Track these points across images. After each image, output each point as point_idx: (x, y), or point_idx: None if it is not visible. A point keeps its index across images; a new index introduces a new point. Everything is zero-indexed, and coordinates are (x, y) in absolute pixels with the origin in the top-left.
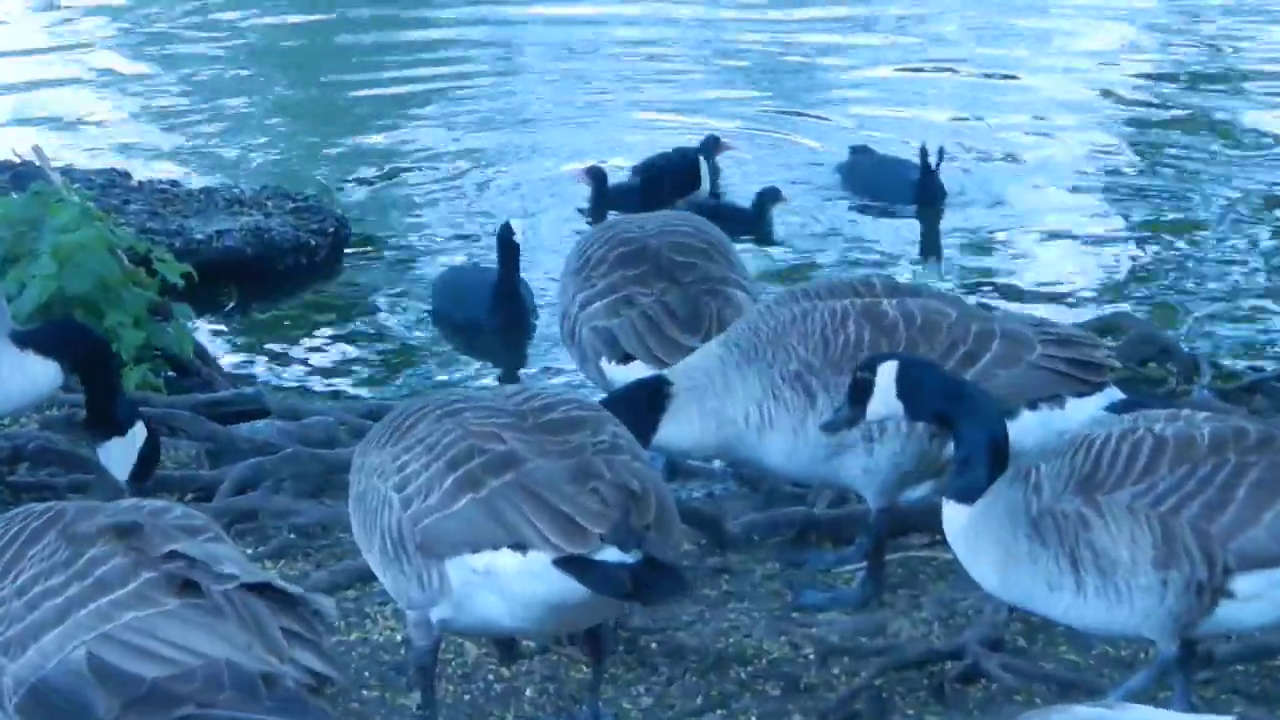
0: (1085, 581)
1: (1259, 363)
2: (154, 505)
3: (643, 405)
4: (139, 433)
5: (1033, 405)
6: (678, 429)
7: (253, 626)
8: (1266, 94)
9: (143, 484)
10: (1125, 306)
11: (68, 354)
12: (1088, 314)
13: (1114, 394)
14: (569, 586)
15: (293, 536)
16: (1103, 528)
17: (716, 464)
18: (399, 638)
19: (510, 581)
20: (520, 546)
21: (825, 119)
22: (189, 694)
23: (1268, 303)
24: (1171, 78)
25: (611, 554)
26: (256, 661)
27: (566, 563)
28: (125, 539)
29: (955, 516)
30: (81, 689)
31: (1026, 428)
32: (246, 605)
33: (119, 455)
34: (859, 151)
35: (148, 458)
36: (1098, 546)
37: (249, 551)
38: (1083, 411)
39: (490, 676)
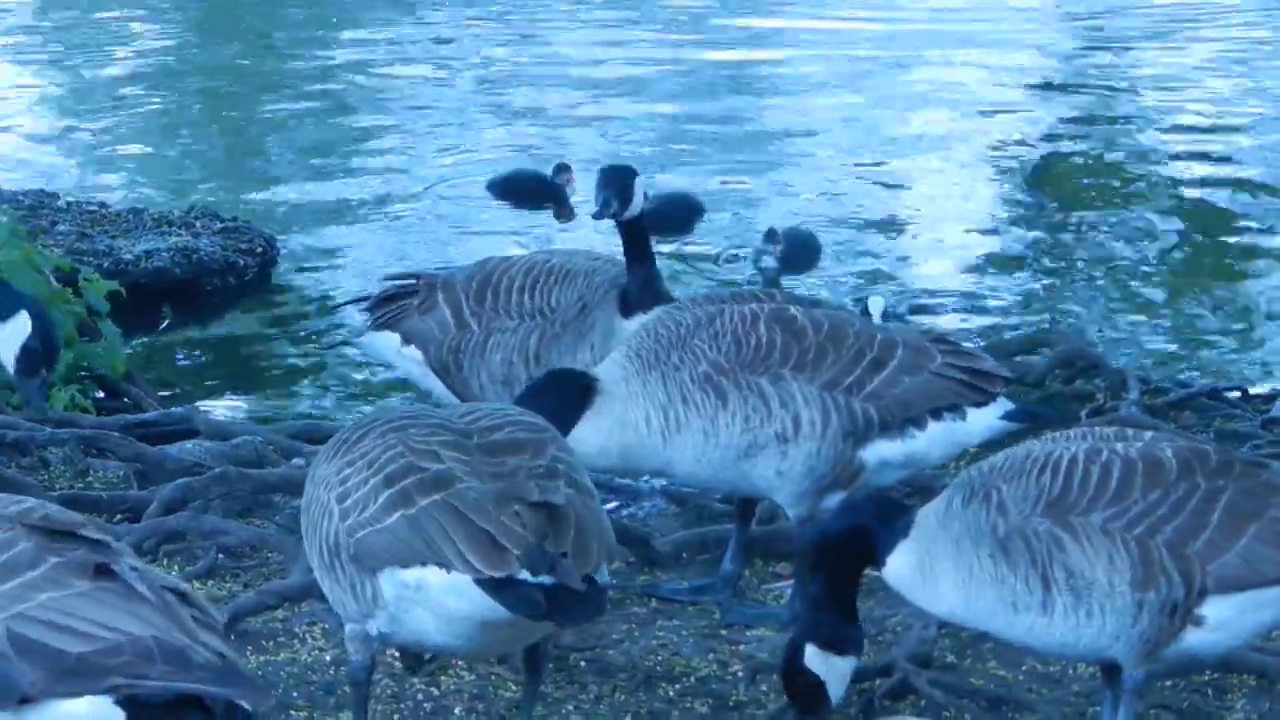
0: (1055, 602)
1: (1186, 378)
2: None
3: (569, 402)
4: (21, 324)
5: (936, 414)
6: (589, 432)
7: (165, 610)
8: (1175, 110)
9: (31, 379)
10: (1052, 323)
11: None
12: (1015, 330)
13: (1005, 404)
14: (490, 605)
15: (221, 557)
16: (1079, 549)
17: (645, 481)
18: (328, 658)
19: (438, 597)
20: (446, 564)
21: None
22: (118, 666)
23: (1195, 319)
24: (1077, 97)
25: (528, 575)
26: (179, 640)
27: (487, 582)
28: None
29: (898, 561)
30: (1, 666)
31: (933, 437)
32: (155, 590)
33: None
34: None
35: (32, 352)
36: (1073, 567)
37: (175, 571)
38: (982, 421)
39: (419, 696)
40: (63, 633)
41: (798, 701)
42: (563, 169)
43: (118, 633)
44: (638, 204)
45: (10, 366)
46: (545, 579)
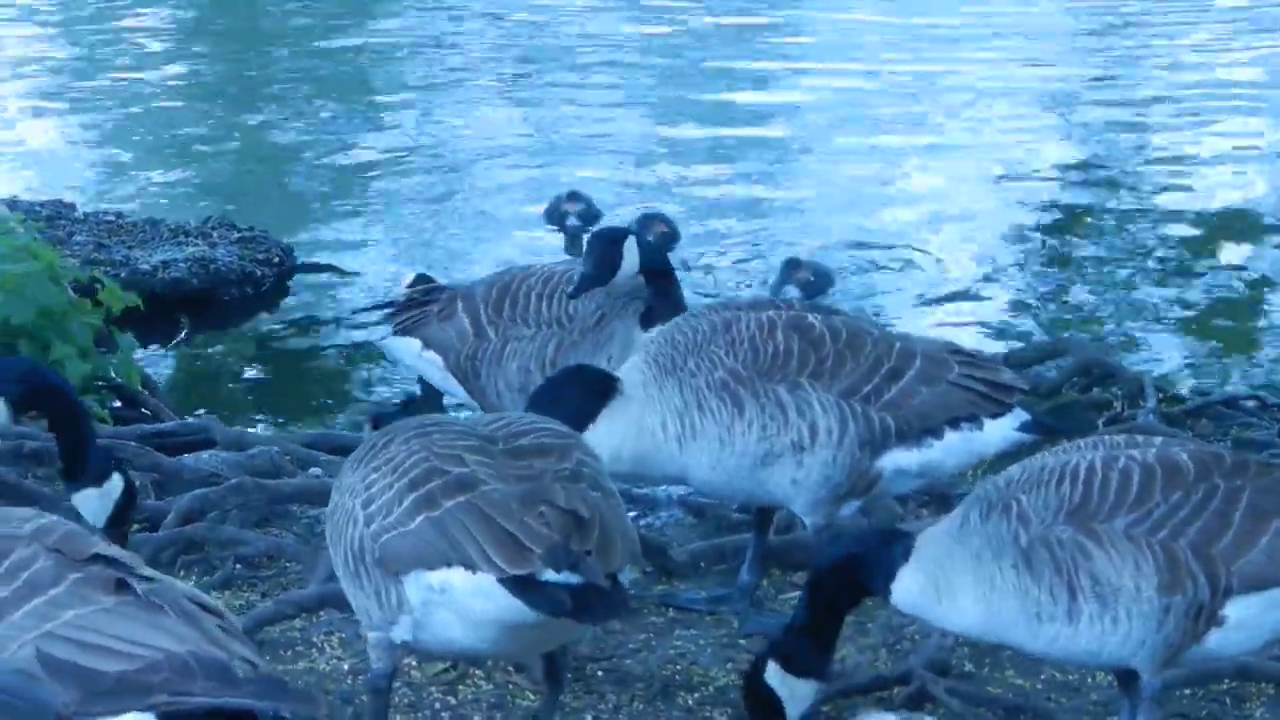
0: (1081, 610)
1: (1204, 385)
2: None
3: (588, 398)
4: (115, 485)
5: (954, 424)
6: (603, 435)
7: (192, 623)
8: (1192, 122)
9: (120, 532)
10: (1069, 331)
11: (13, 392)
12: (1031, 338)
13: (1021, 415)
14: (514, 605)
15: (239, 567)
16: (1104, 556)
17: (663, 492)
18: (345, 667)
19: (463, 599)
20: (471, 565)
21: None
22: (160, 683)
23: (1212, 328)
24: (1090, 109)
25: (552, 574)
26: (217, 654)
27: (510, 581)
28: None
29: (905, 584)
30: (31, 688)
31: (949, 446)
32: (177, 603)
33: (94, 505)
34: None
35: (124, 509)
36: (1099, 574)
37: (193, 581)
38: (998, 432)
39: (437, 705)
40: (95, 651)
41: (755, 715)
42: (571, 197)
43: (154, 649)
44: (632, 262)
45: (97, 524)
46: (569, 577)
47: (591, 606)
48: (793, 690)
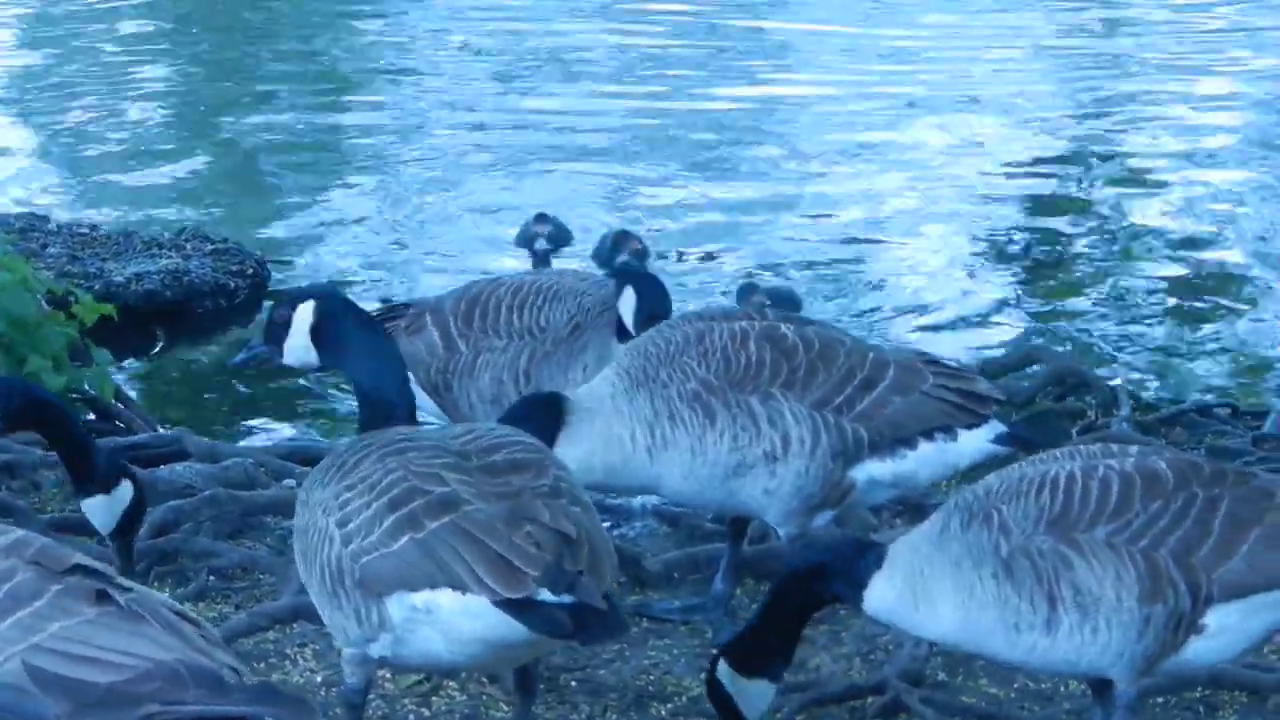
0: (1060, 620)
1: (1177, 393)
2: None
3: (541, 423)
4: (125, 492)
5: (928, 435)
6: (566, 449)
7: (176, 632)
8: (1165, 130)
9: (127, 539)
10: (1043, 340)
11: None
12: (1005, 347)
13: (997, 427)
14: (510, 626)
15: (212, 579)
16: (1085, 566)
17: (637, 502)
18: (319, 679)
19: (451, 619)
20: (460, 586)
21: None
22: (151, 693)
23: (1186, 335)
24: (1067, 124)
25: (549, 595)
26: (205, 662)
27: (507, 603)
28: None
29: (879, 591)
30: (21, 702)
31: (923, 457)
32: (158, 613)
33: (102, 512)
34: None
35: (133, 516)
36: (1080, 584)
37: (167, 593)
38: (972, 443)
39: (411, 717)
40: (84, 663)
41: (716, 711)
42: (539, 219)
43: (143, 659)
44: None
45: (106, 531)
46: (566, 598)
47: (589, 626)
48: (743, 690)
